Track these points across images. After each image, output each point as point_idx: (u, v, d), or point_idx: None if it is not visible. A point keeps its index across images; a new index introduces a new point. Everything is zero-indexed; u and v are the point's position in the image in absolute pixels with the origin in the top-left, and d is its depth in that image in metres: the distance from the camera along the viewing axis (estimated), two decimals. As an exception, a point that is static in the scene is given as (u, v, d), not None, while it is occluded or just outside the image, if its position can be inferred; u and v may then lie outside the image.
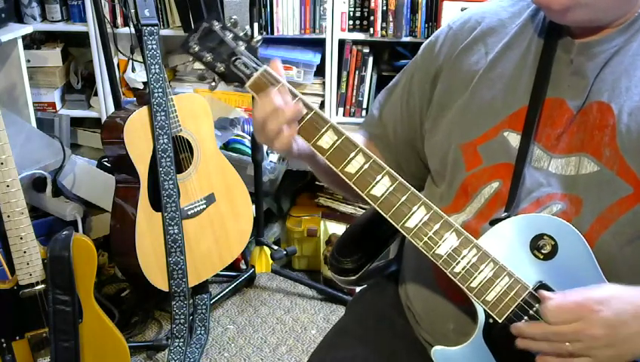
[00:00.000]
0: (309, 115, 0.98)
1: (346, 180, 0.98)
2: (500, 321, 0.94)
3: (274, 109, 0.96)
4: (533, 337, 0.90)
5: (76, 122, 2.88)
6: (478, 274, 0.94)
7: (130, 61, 2.59)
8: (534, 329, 0.90)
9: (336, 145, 0.98)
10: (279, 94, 0.97)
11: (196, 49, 1.01)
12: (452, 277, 0.95)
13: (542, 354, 0.90)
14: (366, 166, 0.97)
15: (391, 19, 2.48)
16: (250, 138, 2.52)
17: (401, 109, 1.18)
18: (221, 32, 1.01)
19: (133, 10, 2.02)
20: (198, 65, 1.04)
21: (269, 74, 0.99)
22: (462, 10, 2.23)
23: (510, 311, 0.93)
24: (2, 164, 1.55)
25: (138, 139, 1.97)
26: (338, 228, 2.54)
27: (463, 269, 0.94)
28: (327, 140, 0.98)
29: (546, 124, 0.99)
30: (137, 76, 2.63)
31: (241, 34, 1.01)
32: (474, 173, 1.04)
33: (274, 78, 0.99)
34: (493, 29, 1.08)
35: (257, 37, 1.01)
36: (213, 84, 1.04)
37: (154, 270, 2.04)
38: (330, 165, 0.98)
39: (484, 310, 0.95)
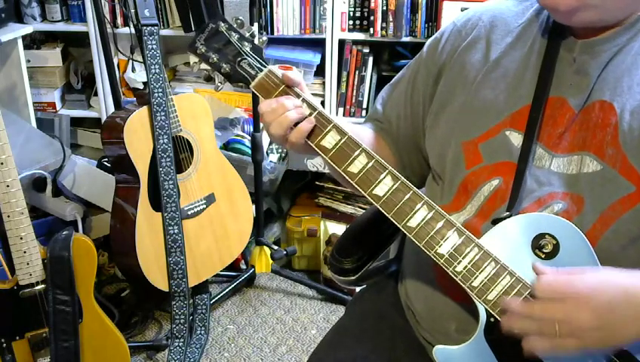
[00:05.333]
0: (313, 115, 1.00)
1: (349, 180, 0.99)
2: (501, 320, 0.94)
3: (278, 115, 0.99)
4: (521, 313, 0.89)
5: (76, 122, 2.88)
6: (480, 273, 0.94)
7: (130, 61, 2.59)
8: (522, 306, 0.89)
9: (339, 145, 0.99)
10: (280, 100, 0.99)
11: (203, 50, 1.03)
12: (454, 276, 0.95)
13: (527, 335, 0.88)
14: (369, 166, 0.98)
15: (391, 19, 2.48)
16: (250, 138, 2.52)
17: (404, 105, 1.18)
18: (227, 33, 1.03)
19: (133, 10, 2.02)
20: (204, 66, 1.06)
21: (273, 74, 1.02)
22: (462, 10, 2.24)
23: (512, 310, 0.93)
24: (2, 164, 1.54)
25: (138, 139, 1.97)
26: (338, 228, 2.54)
27: (464, 268, 0.94)
28: (330, 140, 1.00)
29: (548, 124, 0.99)
30: (137, 76, 2.63)
31: (247, 34, 1.03)
32: (474, 171, 1.04)
33: (278, 78, 1.01)
34: (497, 28, 1.09)
35: (263, 37, 1.03)
36: (219, 85, 1.06)
37: (154, 270, 2.04)
38: (333, 165, 0.99)
39: (486, 309, 0.95)
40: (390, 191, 0.97)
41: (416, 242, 0.96)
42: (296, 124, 1.00)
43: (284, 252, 2.46)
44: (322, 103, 2.67)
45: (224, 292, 2.42)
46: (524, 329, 0.88)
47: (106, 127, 2.06)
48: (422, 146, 1.17)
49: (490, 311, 0.94)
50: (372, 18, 2.50)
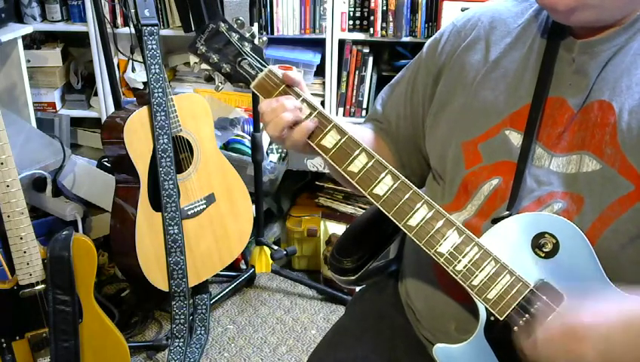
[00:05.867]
0: (313, 115, 1.01)
1: (349, 179, 0.99)
2: (501, 319, 0.94)
3: (275, 115, 0.99)
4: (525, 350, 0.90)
5: (76, 122, 2.88)
6: (480, 272, 0.94)
7: (130, 61, 2.59)
8: (528, 346, 0.90)
9: (339, 144, 1.00)
10: (280, 100, 1.00)
11: (203, 50, 1.04)
12: (454, 275, 0.95)
13: None
14: (369, 165, 0.98)
15: (391, 19, 2.48)
16: (250, 138, 2.52)
17: (404, 105, 1.19)
18: (227, 33, 1.03)
19: (133, 10, 2.02)
20: (204, 66, 1.06)
21: (273, 74, 1.02)
22: (462, 10, 2.24)
23: (511, 309, 0.93)
24: (2, 164, 1.54)
25: (138, 139, 1.97)
26: (338, 228, 2.54)
27: (464, 267, 0.95)
28: (330, 140, 1.00)
29: (547, 123, 1.00)
30: (137, 76, 2.63)
31: (247, 35, 1.04)
32: (473, 171, 1.05)
33: (278, 78, 1.02)
34: (496, 28, 1.09)
35: (263, 37, 1.04)
36: (220, 85, 1.06)
37: (154, 270, 2.04)
38: (334, 164, 1.00)
39: (486, 308, 0.95)
40: (390, 191, 0.97)
41: (417, 241, 0.96)
42: (292, 126, 1.00)
43: (284, 252, 2.46)
44: (322, 103, 2.67)
45: (224, 292, 2.42)
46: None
47: (106, 127, 2.06)
48: (421, 146, 1.17)
49: (490, 310, 0.94)
50: (372, 18, 2.50)
